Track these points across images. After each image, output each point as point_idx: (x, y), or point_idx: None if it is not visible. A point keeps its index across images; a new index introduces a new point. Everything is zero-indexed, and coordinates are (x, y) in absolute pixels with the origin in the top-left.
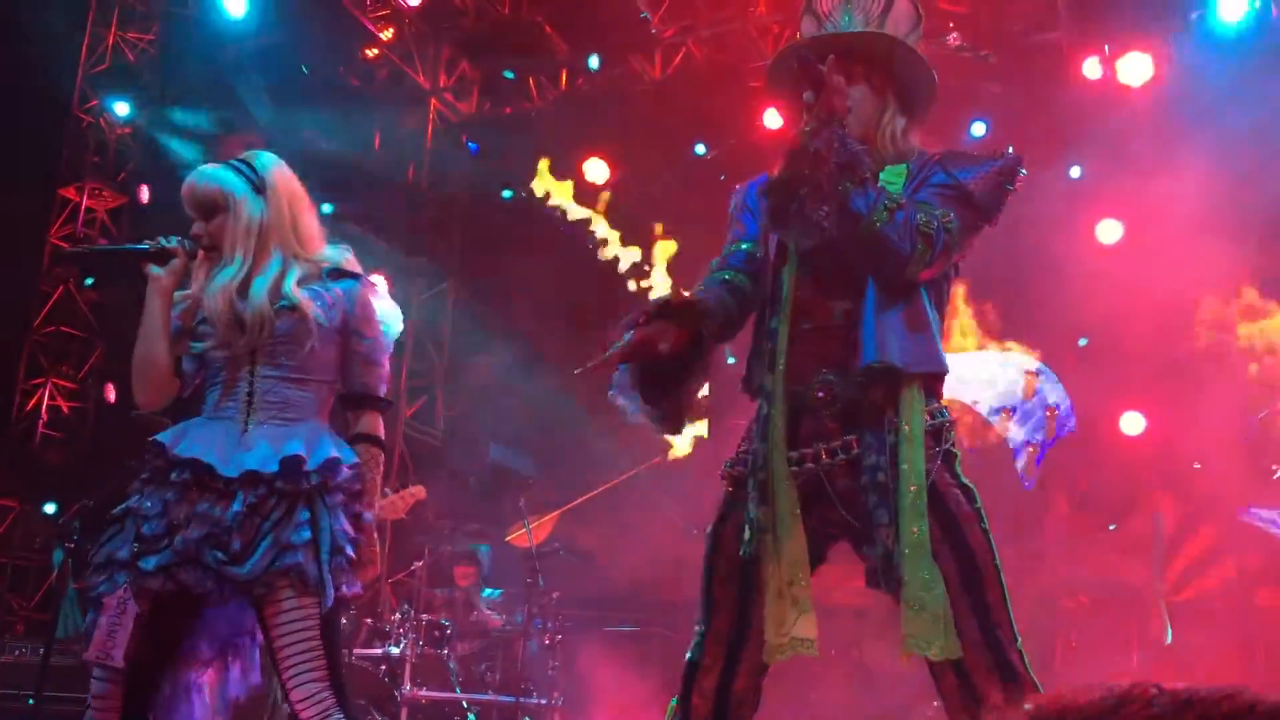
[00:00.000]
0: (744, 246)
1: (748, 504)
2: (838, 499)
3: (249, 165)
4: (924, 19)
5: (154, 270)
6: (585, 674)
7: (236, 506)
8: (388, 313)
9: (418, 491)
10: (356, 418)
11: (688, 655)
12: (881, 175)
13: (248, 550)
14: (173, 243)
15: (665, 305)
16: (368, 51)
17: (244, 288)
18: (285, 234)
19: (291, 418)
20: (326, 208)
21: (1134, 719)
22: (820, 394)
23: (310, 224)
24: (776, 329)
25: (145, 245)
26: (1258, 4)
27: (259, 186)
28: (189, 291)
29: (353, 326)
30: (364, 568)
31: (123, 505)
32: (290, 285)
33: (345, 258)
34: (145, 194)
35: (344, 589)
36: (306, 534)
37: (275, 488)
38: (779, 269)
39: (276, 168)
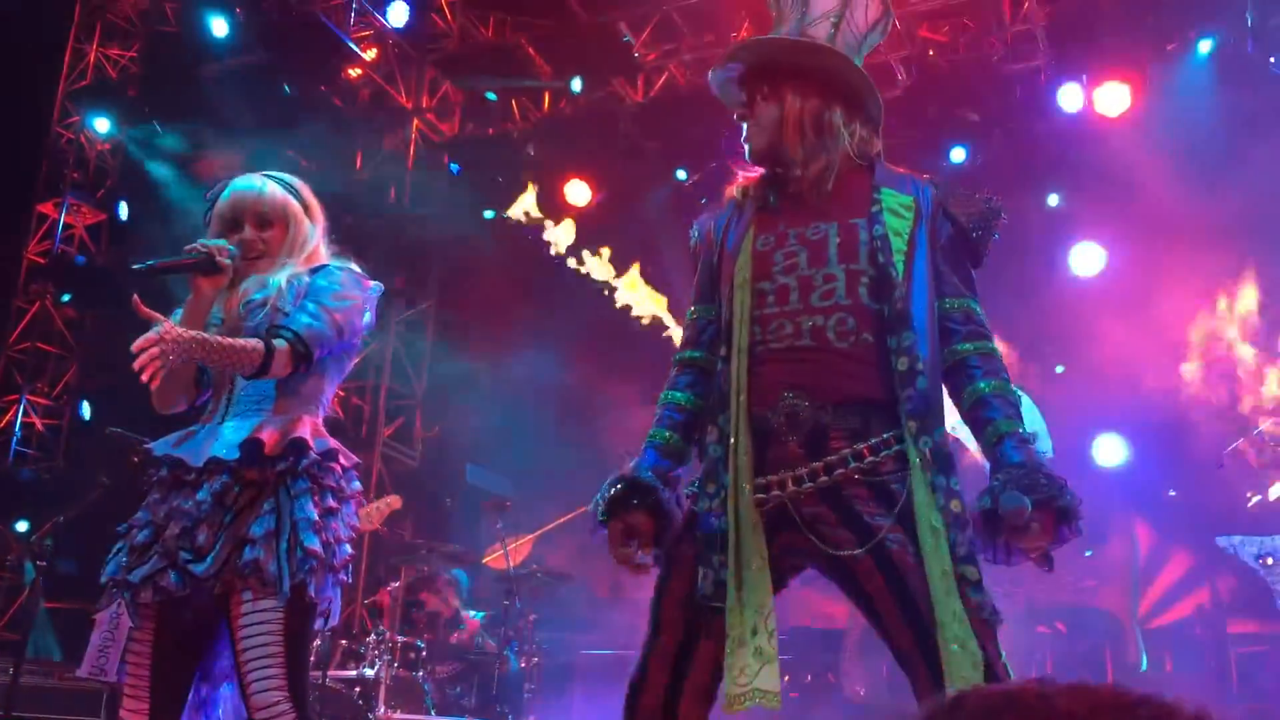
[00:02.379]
0: (702, 316)
1: (707, 547)
2: (805, 526)
3: (289, 183)
4: (891, 11)
5: (202, 279)
6: (562, 696)
7: (202, 495)
8: (363, 289)
9: (393, 501)
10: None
11: (630, 676)
12: (884, 200)
13: (210, 544)
14: (231, 251)
15: (627, 496)
16: (350, 71)
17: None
18: (311, 249)
19: (266, 408)
20: None
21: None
22: (794, 414)
23: (324, 243)
24: (731, 358)
25: (198, 258)
26: (1232, 36)
27: (305, 206)
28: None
29: (313, 289)
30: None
31: (128, 521)
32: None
33: (346, 261)
34: (124, 210)
35: (311, 590)
36: (269, 524)
37: (238, 475)
38: (731, 296)
39: (305, 187)
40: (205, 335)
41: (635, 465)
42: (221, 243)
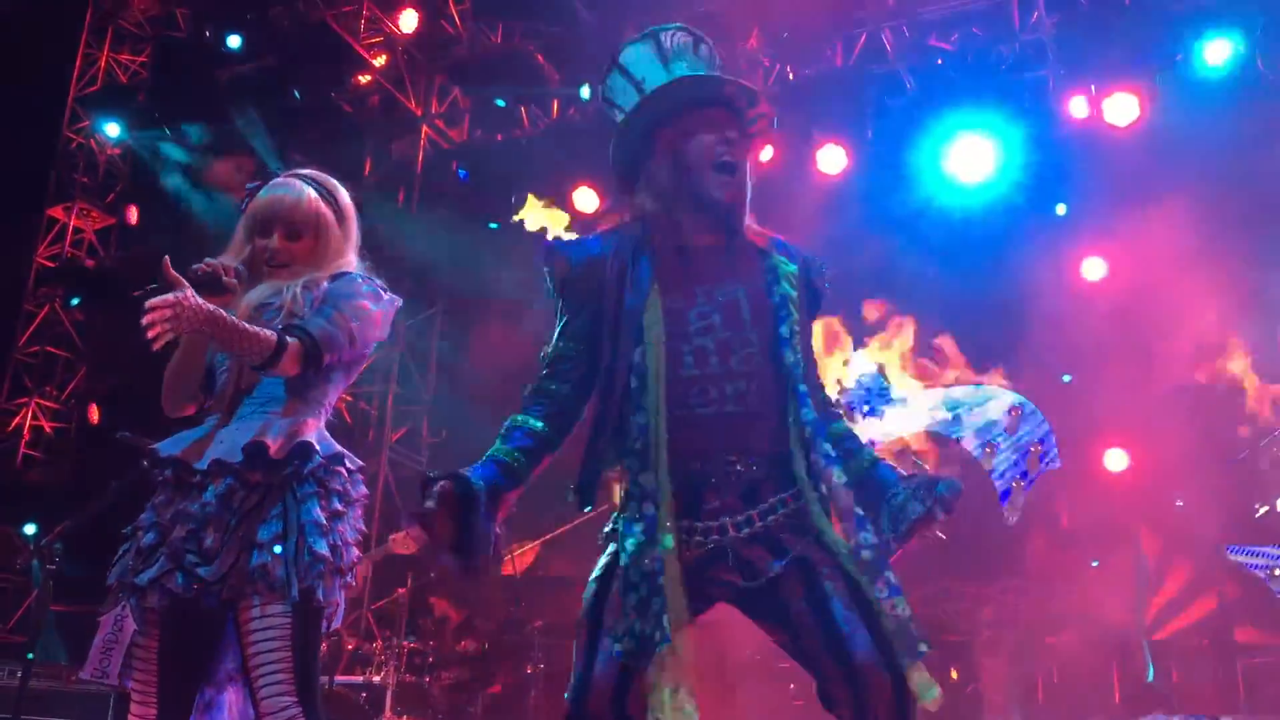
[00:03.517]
0: (572, 352)
1: (626, 609)
2: (739, 568)
3: (327, 190)
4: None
5: (211, 300)
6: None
7: (207, 498)
8: (382, 300)
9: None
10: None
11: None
12: (780, 266)
13: (217, 548)
14: (238, 269)
15: (441, 499)
16: (360, 78)
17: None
18: (341, 258)
19: (273, 411)
20: None
21: None
22: (728, 473)
23: (353, 254)
24: (648, 423)
25: (204, 277)
26: (1241, 50)
27: (340, 216)
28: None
29: (329, 296)
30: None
31: (134, 523)
32: (288, 293)
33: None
34: (134, 215)
35: (320, 595)
36: (276, 528)
37: (243, 478)
38: (632, 350)
39: (344, 193)
40: (222, 312)
41: (469, 469)
42: (230, 260)
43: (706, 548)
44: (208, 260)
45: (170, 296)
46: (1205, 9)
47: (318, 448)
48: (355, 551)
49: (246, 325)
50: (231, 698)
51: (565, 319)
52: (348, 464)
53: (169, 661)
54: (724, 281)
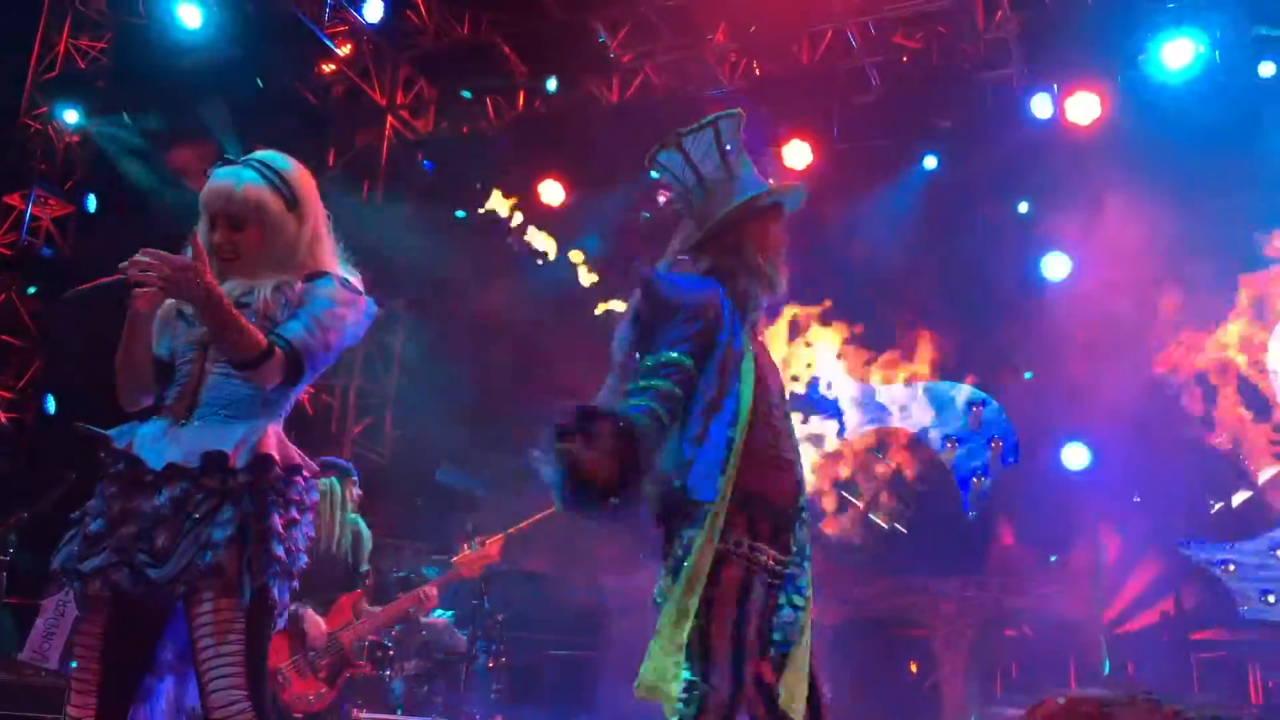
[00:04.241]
0: (692, 371)
1: (788, 597)
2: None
3: (278, 174)
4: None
5: (137, 298)
6: (529, 697)
7: (159, 500)
8: (356, 305)
9: (491, 552)
10: (257, 378)
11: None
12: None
13: (169, 549)
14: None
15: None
16: (325, 67)
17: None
18: (305, 250)
19: (232, 414)
20: None
21: None
22: (796, 520)
23: (326, 237)
24: (734, 438)
25: (127, 275)
26: (1201, 51)
27: (291, 201)
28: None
29: (304, 300)
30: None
31: (82, 507)
32: (260, 293)
33: (350, 277)
34: (93, 202)
35: (274, 593)
36: (231, 530)
37: (199, 483)
38: (740, 392)
39: (303, 175)
40: (223, 294)
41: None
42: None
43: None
44: (146, 250)
45: (169, 256)
46: (1166, 11)
47: (278, 458)
48: (305, 559)
49: (243, 318)
50: (168, 687)
51: (692, 339)
52: (305, 472)
53: (111, 650)
54: (767, 353)
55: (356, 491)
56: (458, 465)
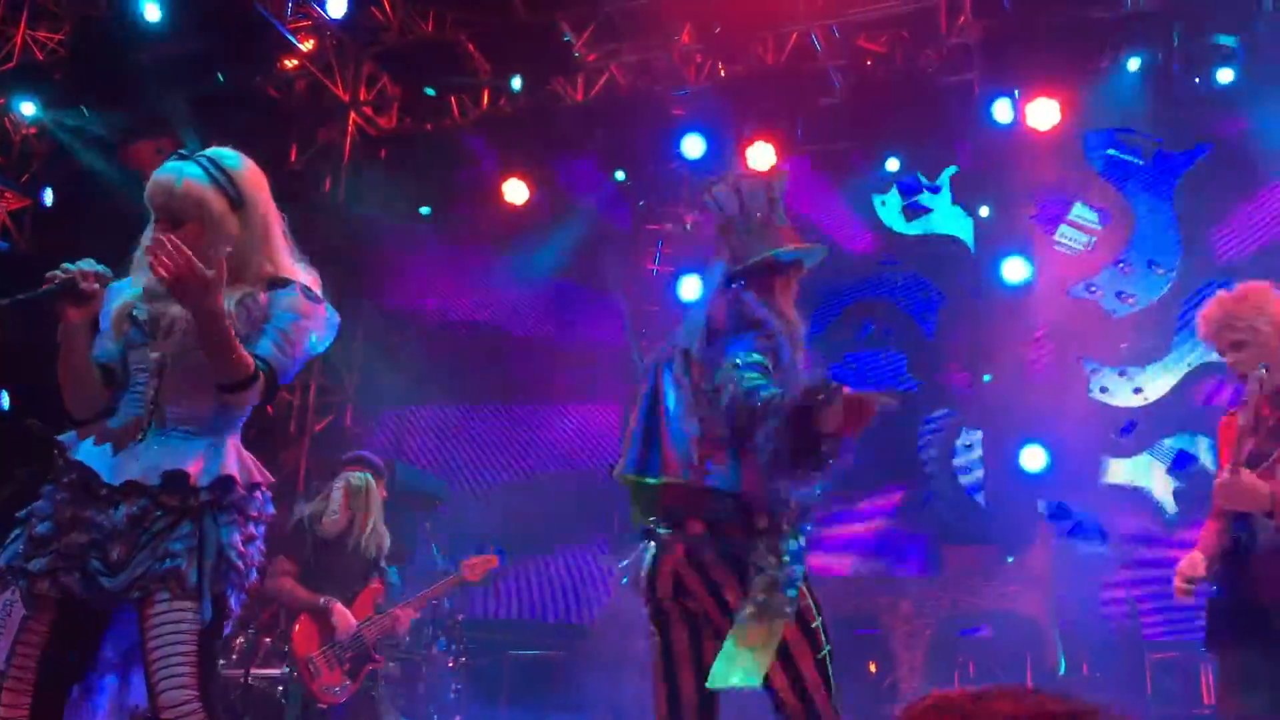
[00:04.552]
0: (769, 369)
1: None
2: None
3: (223, 171)
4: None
5: (70, 308)
6: (489, 697)
7: (117, 516)
8: (321, 316)
9: (491, 560)
10: (237, 400)
11: None
12: None
13: (125, 561)
14: (92, 268)
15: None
16: (287, 62)
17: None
18: (255, 251)
19: (192, 431)
20: None
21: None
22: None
23: (278, 235)
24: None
25: (61, 285)
26: (1159, 58)
27: (236, 200)
28: (127, 296)
29: (271, 316)
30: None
31: (28, 507)
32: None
33: (307, 278)
34: (49, 196)
35: (230, 602)
36: (190, 541)
37: (158, 501)
38: None
39: (250, 173)
40: (224, 312)
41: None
42: (89, 264)
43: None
44: (65, 265)
45: (191, 256)
46: (1126, 19)
47: (239, 478)
48: (256, 574)
49: (237, 340)
50: (110, 684)
51: (766, 354)
52: (263, 486)
53: (53, 649)
54: None
55: (383, 492)
56: (417, 465)
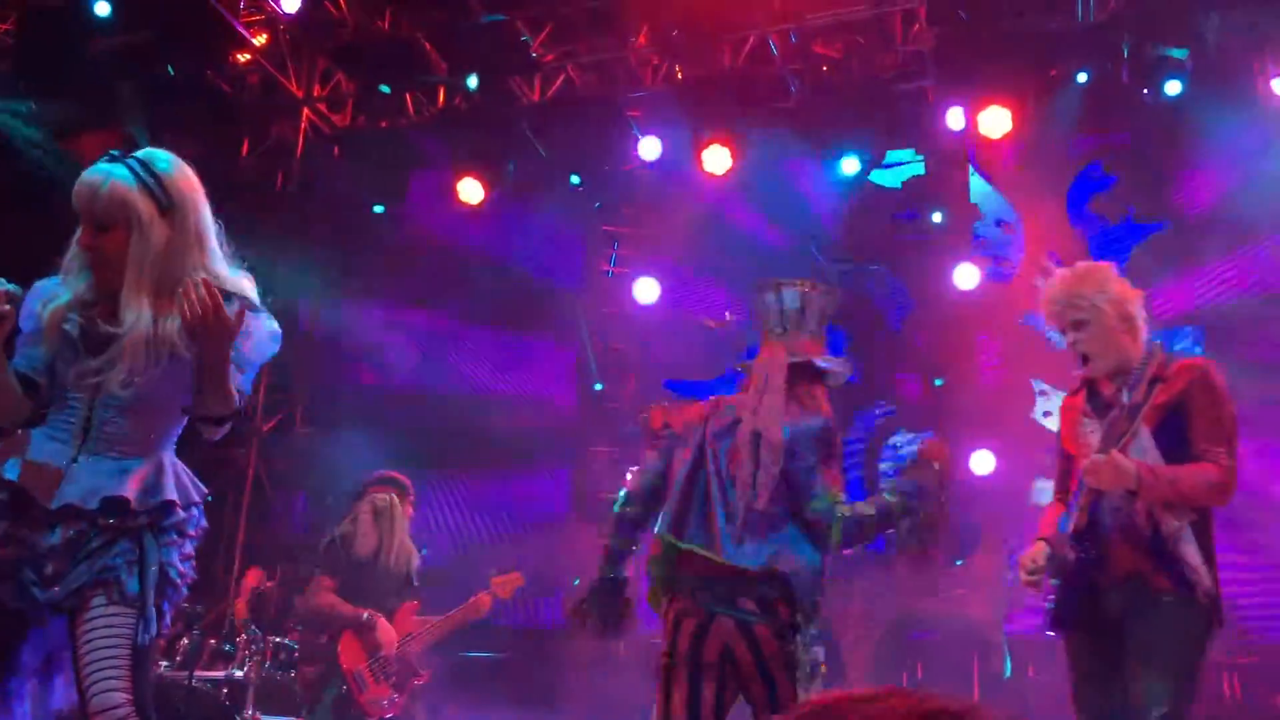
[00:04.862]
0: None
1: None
2: None
3: (153, 174)
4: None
5: None
6: (440, 700)
7: (53, 539)
8: (264, 329)
9: (517, 578)
10: (213, 432)
11: None
12: None
13: (59, 575)
14: (10, 291)
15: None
16: (239, 56)
17: (107, 314)
18: (185, 259)
19: (128, 451)
20: None
21: None
22: None
23: (211, 242)
24: None
25: None
26: (1108, 67)
27: (165, 205)
28: (58, 303)
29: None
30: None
31: None
32: (161, 324)
33: (238, 280)
34: None
35: (165, 616)
36: (130, 555)
37: (96, 523)
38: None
39: (182, 178)
40: (169, 333)
41: None
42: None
43: None
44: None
45: (221, 304)
46: (1078, 30)
47: (178, 500)
48: (186, 590)
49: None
50: (31, 689)
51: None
52: (199, 503)
53: None
54: None
55: (410, 510)
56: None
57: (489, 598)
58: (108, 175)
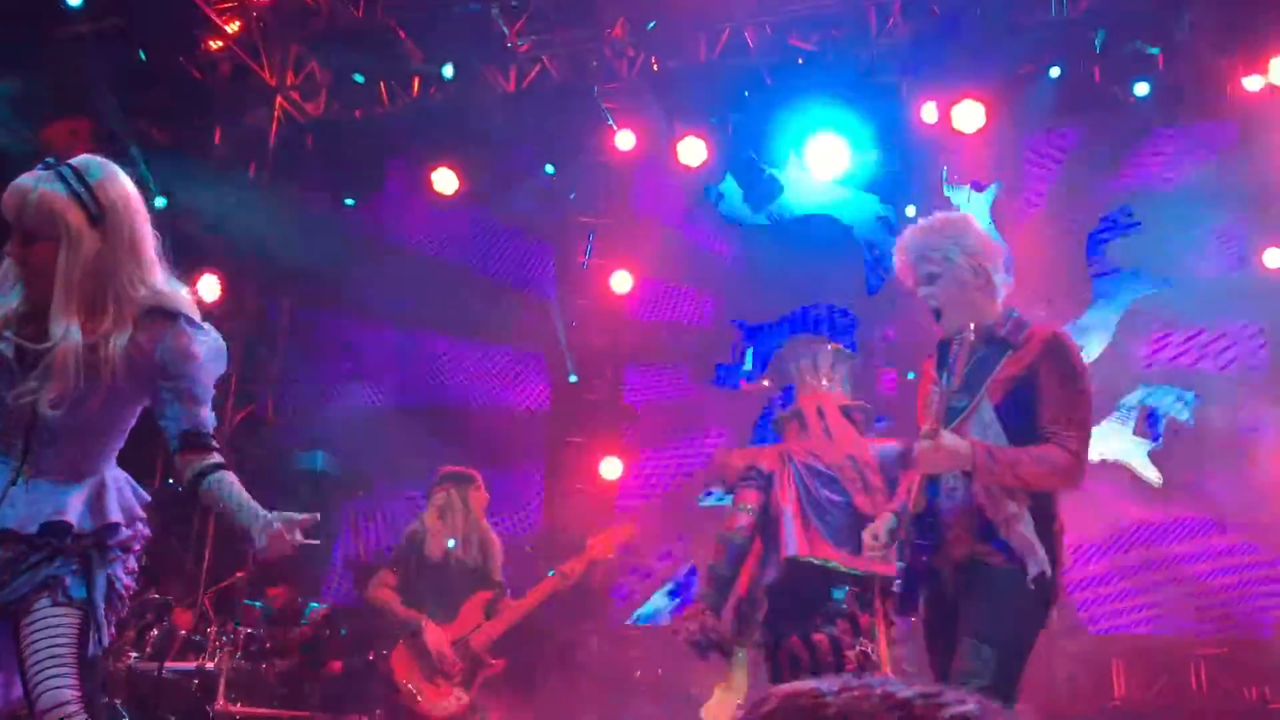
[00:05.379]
0: None
1: None
2: None
3: (84, 183)
4: None
5: None
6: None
7: None
8: (211, 349)
9: (629, 528)
10: (187, 461)
11: None
12: None
13: (3, 584)
14: None
15: None
16: (211, 43)
17: (40, 331)
18: (118, 272)
19: (68, 475)
20: (160, 201)
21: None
22: None
23: (147, 254)
24: None
25: None
26: (1080, 64)
27: (96, 215)
28: None
29: (169, 370)
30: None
31: None
32: (105, 344)
33: (176, 294)
34: None
35: (108, 619)
36: (73, 566)
37: (35, 545)
38: None
39: (115, 187)
40: (110, 358)
41: None
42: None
43: None
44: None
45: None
46: (1048, 25)
47: (122, 520)
48: (126, 605)
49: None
50: None
51: None
52: (142, 516)
53: None
54: None
55: (484, 495)
56: (342, 454)
57: (586, 558)
58: (36, 183)
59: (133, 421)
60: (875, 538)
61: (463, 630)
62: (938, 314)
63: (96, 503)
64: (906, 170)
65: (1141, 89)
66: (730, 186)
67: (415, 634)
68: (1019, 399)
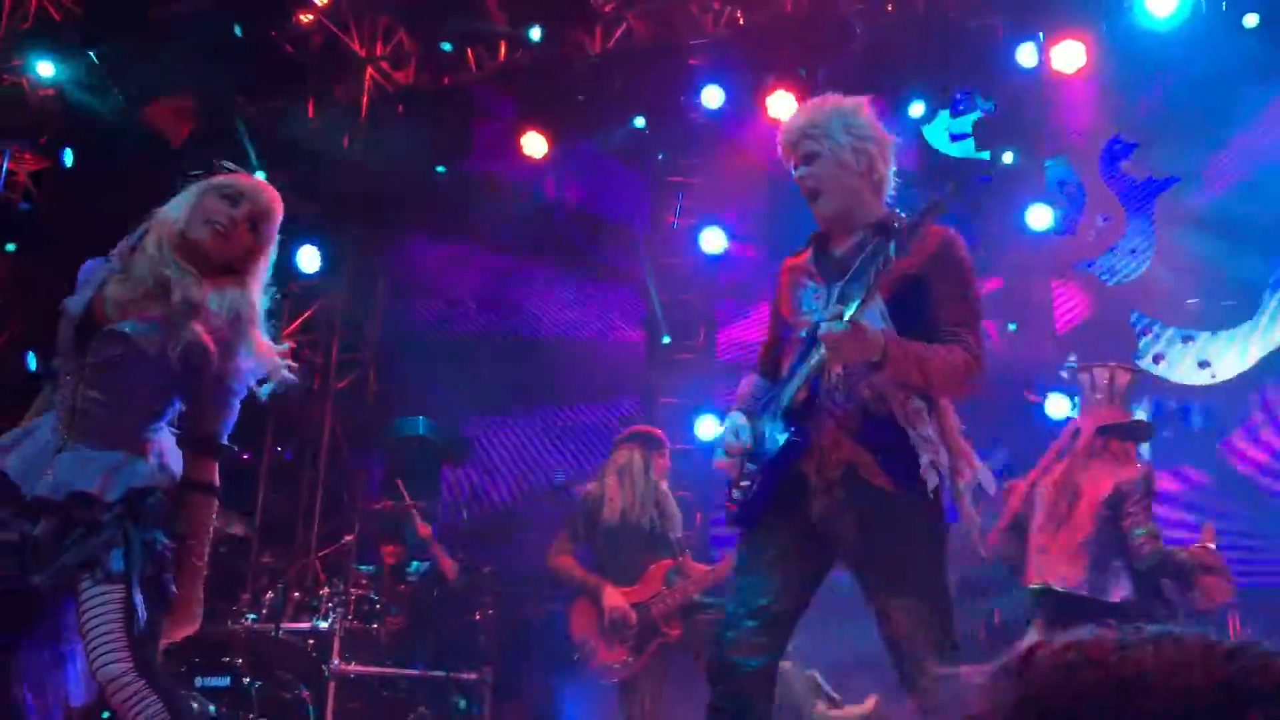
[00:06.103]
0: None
1: None
2: None
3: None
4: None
5: None
6: (518, 649)
7: (34, 530)
8: (260, 358)
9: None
10: (192, 460)
11: None
12: None
13: (48, 563)
14: None
15: None
16: (302, 16)
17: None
18: (182, 257)
19: (105, 444)
20: (259, 175)
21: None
22: None
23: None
24: None
25: None
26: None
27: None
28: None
29: (209, 369)
30: (182, 611)
31: None
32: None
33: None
34: (69, 157)
35: (166, 583)
36: (114, 540)
37: (71, 516)
38: None
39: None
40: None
41: None
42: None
43: None
44: None
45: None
46: None
47: (153, 485)
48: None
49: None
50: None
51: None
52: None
53: None
54: None
55: (667, 462)
56: (442, 419)
57: None
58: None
59: (164, 405)
60: (730, 445)
61: (641, 596)
62: (814, 195)
63: (127, 472)
64: (1005, 116)
65: (1251, 20)
66: None
67: (594, 594)
68: (908, 298)
